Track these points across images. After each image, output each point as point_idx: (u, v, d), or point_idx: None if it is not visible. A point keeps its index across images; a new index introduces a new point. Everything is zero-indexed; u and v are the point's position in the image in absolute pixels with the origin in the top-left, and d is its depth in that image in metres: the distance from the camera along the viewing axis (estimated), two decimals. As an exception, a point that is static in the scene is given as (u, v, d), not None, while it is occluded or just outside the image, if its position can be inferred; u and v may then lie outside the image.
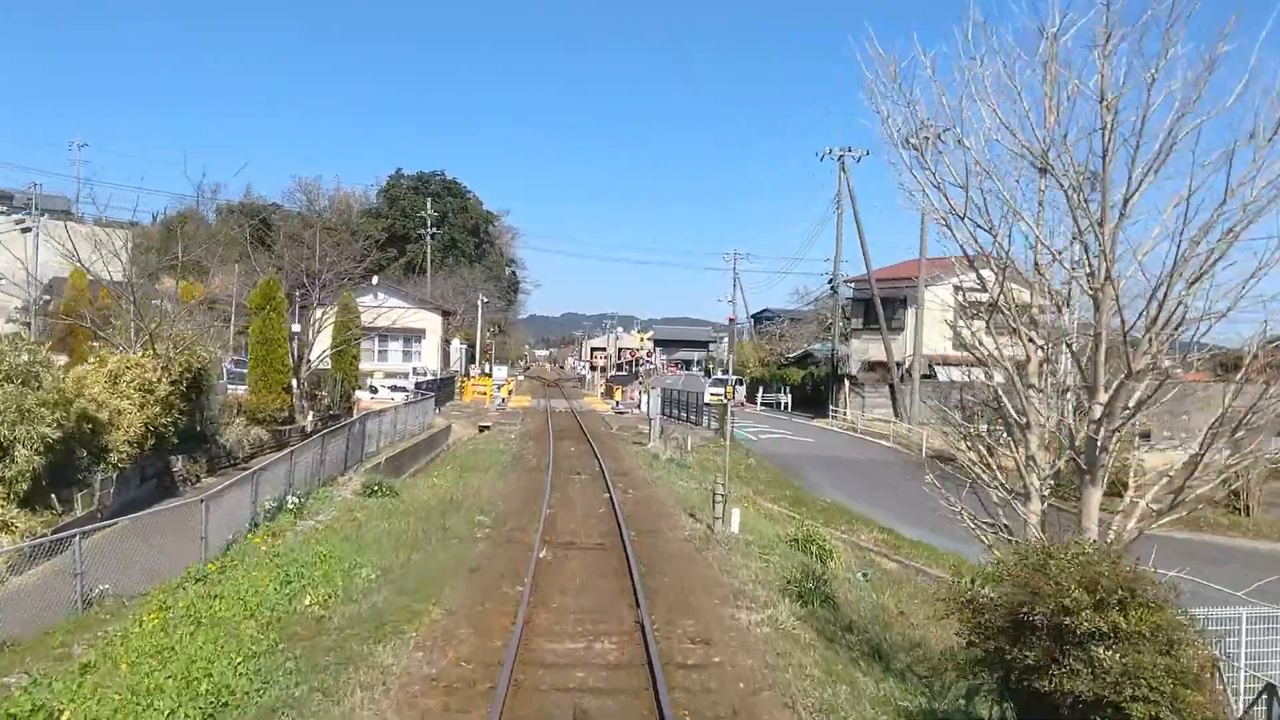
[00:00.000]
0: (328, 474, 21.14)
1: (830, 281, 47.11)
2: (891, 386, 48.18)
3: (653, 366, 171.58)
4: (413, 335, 65.78)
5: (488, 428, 38.71)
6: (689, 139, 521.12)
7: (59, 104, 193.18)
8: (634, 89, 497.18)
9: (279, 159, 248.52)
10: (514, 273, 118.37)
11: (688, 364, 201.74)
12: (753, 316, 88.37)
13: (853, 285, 47.83)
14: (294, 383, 32.51)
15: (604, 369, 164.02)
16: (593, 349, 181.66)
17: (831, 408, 47.38)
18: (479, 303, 60.56)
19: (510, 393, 61.40)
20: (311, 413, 32.51)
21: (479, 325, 61.39)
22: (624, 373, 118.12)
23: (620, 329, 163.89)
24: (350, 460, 23.33)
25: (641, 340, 49.72)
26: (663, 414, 46.21)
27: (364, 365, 64.64)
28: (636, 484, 23.60)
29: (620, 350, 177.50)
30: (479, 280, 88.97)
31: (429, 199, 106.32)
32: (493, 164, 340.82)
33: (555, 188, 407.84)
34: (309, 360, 35.33)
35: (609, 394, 64.00)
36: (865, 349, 50.72)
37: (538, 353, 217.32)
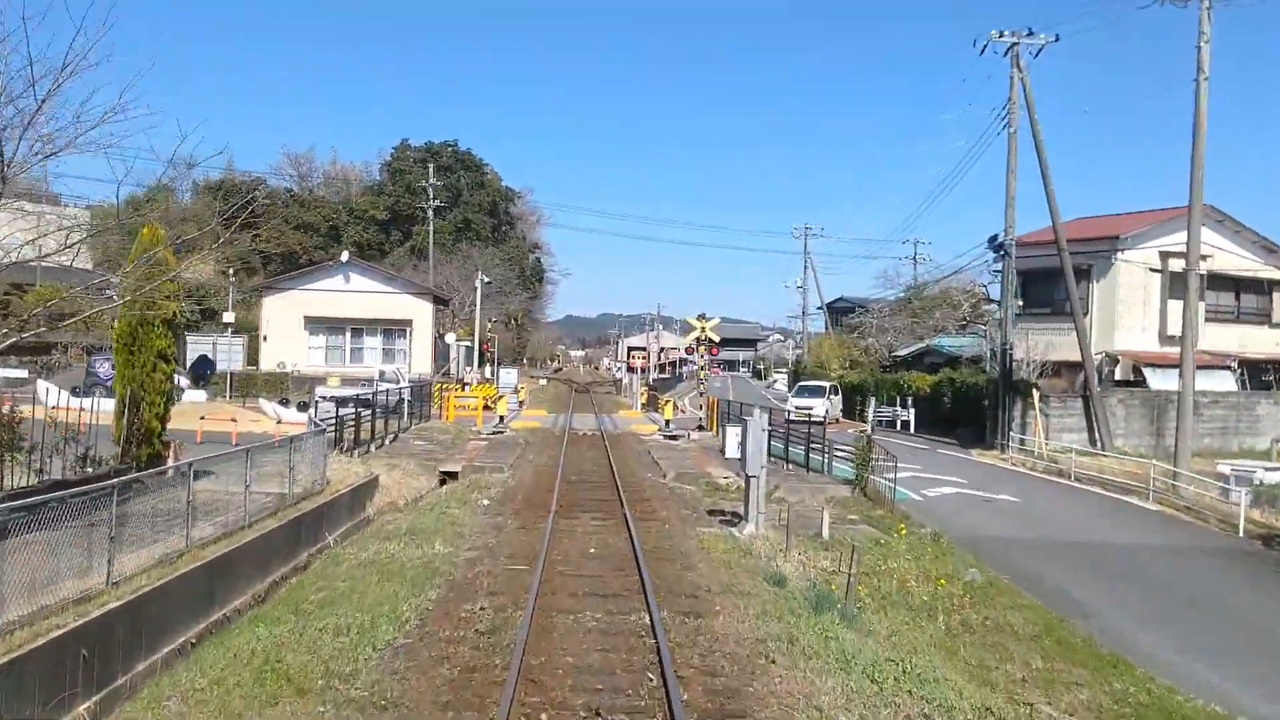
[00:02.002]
0: None
1: (995, 244, 30.65)
2: (1087, 399, 31.64)
3: (696, 366, 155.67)
4: (395, 329, 50.14)
5: (454, 475, 22.92)
6: (746, 106, 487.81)
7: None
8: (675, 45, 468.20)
9: (266, 128, 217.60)
10: (539, 259, 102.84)
11: (732, 364, 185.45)
12: (826, 307, 71.85)
13: (1014, 248, 31.29)
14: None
15: (643, 370, 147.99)
16: (630, 349, 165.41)
17: (1014, 433, 30.84)
18: (478, 283, 44.85)
19: (522, 404, 45.51)
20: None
21: (478, 313, 45.66)
22: (667, 375, 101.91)
23: (659, 327, 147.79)
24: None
25: (704, 329, 33.21)
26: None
27: (330, 367, 49.25)
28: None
29: (661, 350, 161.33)
30: (490, 263, 73.43)
31: (438, 172, 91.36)
32: (514, 136, 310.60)
33: (586, 165, 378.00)
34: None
35: (652, 405, 48.01)
36: (1035, 343, 34.14)
37: (573, 353, 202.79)
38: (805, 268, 68.51)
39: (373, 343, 51.03)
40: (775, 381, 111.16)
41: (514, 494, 20.11)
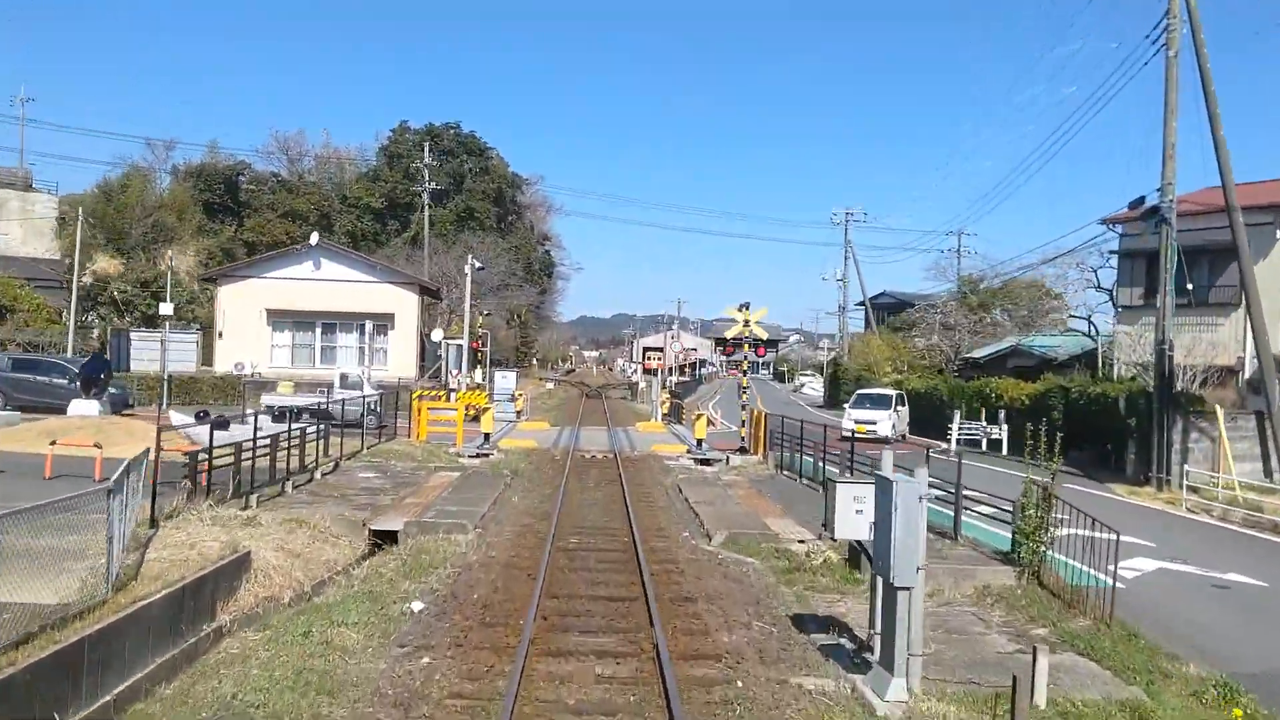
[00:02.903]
0: None
1: (1145, 210, 22.71)
2: (1261, 415, 23.66)
3: (714, 368, 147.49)
4: (374, 324, 42.59)
5: (391, 538, 15.18)
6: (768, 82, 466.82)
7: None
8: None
9: (252, 109, 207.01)
10: (548, 252, 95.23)
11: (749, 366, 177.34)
12: (868, 303, 63.88)
13: (1174, 212, 23.25)
14: None
15: (659, 373, 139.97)
16: (645, 349, 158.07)
17: (1173, 462, 22.83)
18: (468, 268, 37.20)
19: (520, 414, 37.87)
20: None
21: (466, 305, 38.01)
22: (686, 378, 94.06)
23: (676, 327, 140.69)
24: None
25: (748, 322, 24.97)
26: (773, 464, 22.94)
27: (298, 369, 41.74)
28: None
29: (679, 352, 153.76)
30: (493, 253, 65.86)
31: (439, 156, 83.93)
32: (523, 123, 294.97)
33: (599, 155, 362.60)
34: None
35: (675, 415, 40.28)
36: (1196, 340, 26.17)
37: (587, 354, 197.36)
38: (846, 257, 60.64)
39: (347, 340, 43.51)
40: (801, 386, 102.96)
41: (471, 585, 12.35)
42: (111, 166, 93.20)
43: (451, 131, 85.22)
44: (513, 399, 38.07)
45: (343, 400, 28.57)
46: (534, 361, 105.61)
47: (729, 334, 27.45)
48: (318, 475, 19.79)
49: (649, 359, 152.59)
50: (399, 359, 42.86)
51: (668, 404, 40.23)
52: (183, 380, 37.29)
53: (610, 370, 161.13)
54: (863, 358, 53.21)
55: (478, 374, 36.95)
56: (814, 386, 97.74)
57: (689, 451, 27.73)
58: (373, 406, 31.08)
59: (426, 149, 67.42)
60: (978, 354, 41.75)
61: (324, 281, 42.87)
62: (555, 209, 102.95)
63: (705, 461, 26.62)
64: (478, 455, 26.39)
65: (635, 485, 21.67)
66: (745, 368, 27.07)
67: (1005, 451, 30.88)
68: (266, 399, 31.91)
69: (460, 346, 46.86)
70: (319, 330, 43.16)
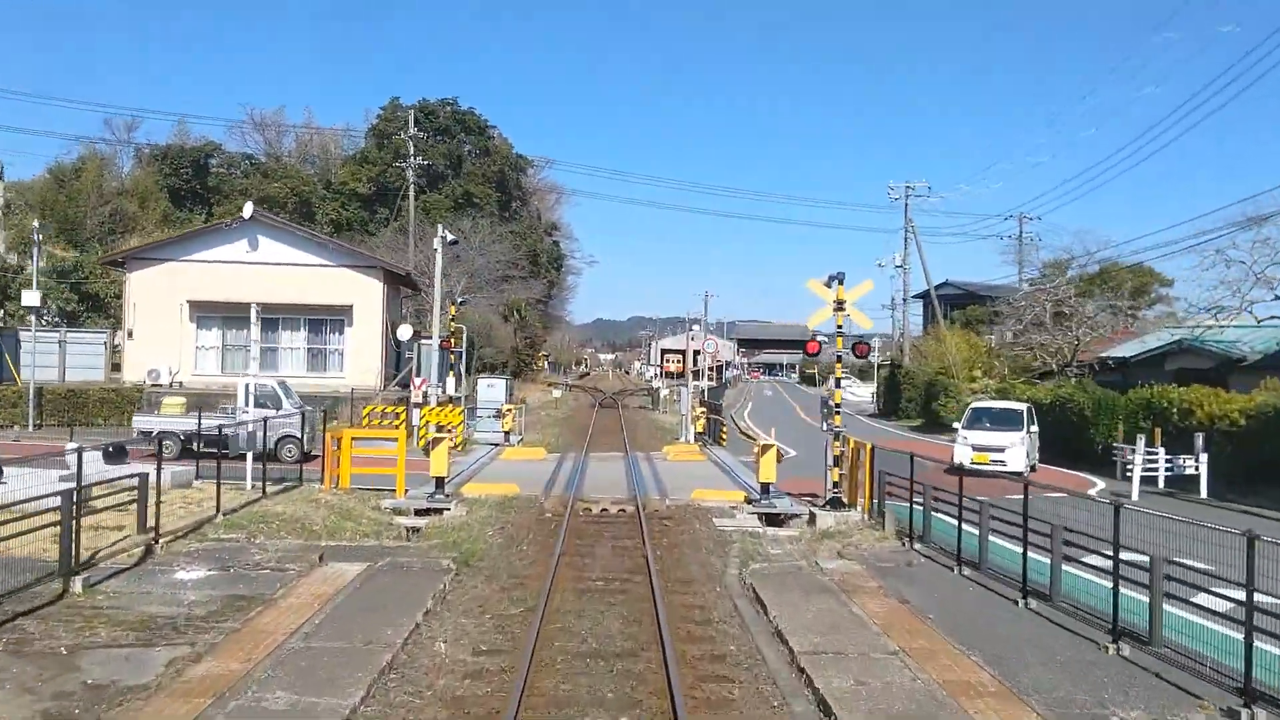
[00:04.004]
0: None
1: None
2: None
3: (737, 371, 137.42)
4: (328, 318, 33.33)
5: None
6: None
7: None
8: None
9: (226, 85, 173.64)
10: (557, 243, 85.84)
11: (771, 368, 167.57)
12: (928, 294, 54.13)
13: None
14: None
15: (684, 376, 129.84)
16: (664, 351, 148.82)
17: None
18: (437, 242, 27.74)
19: (509, 434, 28.53)
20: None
21: (436, 291, 28.54)
22: (713, 382, 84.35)
23: (702, 323, 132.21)
24: None
25: (842, 303, 15.53)
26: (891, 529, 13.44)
27: (232, 377, 32.55)
28: None
29: (698, 354, 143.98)
30: (489, 239, 56.63)
31: (434, 135, 74.95)
32: (528, 97, 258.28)
33: (615, 135, 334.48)
34: None
35: (713, 434, 30.82)
36: None
37: (602, 357, 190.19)
38: (906, 239, 50.94)
39: (293, 339, 34.25)
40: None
41: None
42: (66, 150, 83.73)
43: (448, 108, 76.08)
44: (500, 414, 28.67)
45: (246, 423, 19.36)
46: (545, 365, 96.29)
47: (812, 321, 17.83)
48: (80, 587, 10.44)
49: (668, 361, 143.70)
50: (358, 363, 33.58)
51: (703, 419, 30.70)
52: (56, 397, 28.09)
53: (626, 374, 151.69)
54: (937, 358, 43.51)
55: (450, 384, 27.62)
56: (854, 391, 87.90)
57: (749, 501, 18.26)
58: (294, 432, 21.87)
59: (412, 119, 58.06)
60: (1120, 352, 32.12)
61: (263, 265, 33.66)
62: (566, 196, 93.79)
63: (776, 519, 17.16)
64: (426, 510, 17.05)
65: (676, 585, 12.22)
66: (839, 375, 17.48)
67: (1204, 493, 21.21)
68: (140, 421, 22.71)
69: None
70: (257, 327, 33.89)
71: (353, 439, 18.25)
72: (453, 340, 27.81)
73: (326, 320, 34.01)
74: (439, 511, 17.15)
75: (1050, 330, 35.81)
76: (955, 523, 13.33)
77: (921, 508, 14.85)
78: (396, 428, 26.58)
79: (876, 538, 15.23)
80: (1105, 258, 44.04)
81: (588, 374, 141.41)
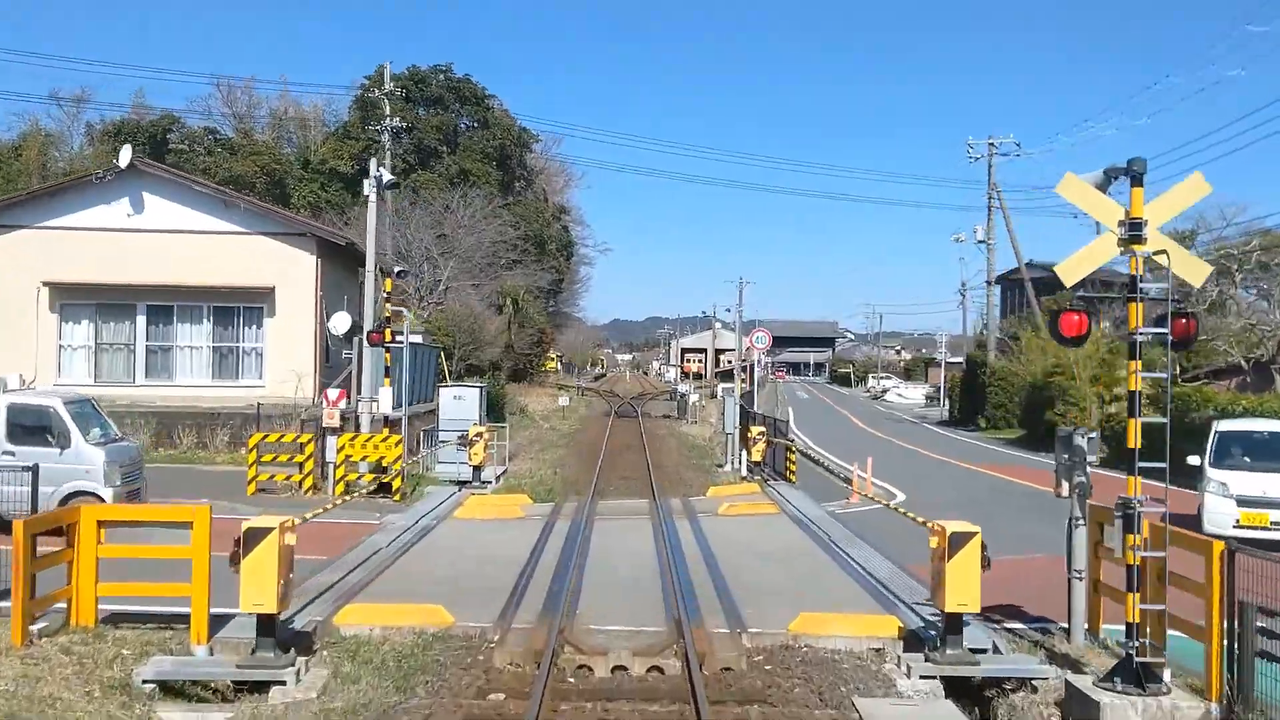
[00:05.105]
0: None
1: None
2: None
3: (764, 372, 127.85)
4: (243, 306, 23.94)
5: None
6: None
7: None
8: None
9: (187, 53, 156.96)
10: (566, 228, 76.45)
11: (795, 367, 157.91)
12: (1025, 271, 44.30)
13: None
14: None
15: (700, 375, 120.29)
16: (684, 350, 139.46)
17: None
18: (369, 184, 18.36)
19: (479, 470, 19.04)
20: None
21: (370, 257, 19.09)
22: (747, 386, 74.72)
23: (718, 325, 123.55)
24: None
25: (1137, 226, 7.44)
26: None
27: (106, 388, 23.22)
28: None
29: (721, 353, 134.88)
30: (481, 212, 47.45)
31: (426, 104, 65.95)
32: (534, 66, 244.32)
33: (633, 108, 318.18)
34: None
35: (776, 467, 21.38)
36: None
37: (620, 357, 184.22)
38: (990, 207, 41.30)
39: (193, 335, 24.97)
40: (885, 392, 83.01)
41: None
42: (5, 127, 74.47)
43: (441, 75, 66.85)
44: (465, 444, 19.27)
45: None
46: (557, 366, 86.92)
47: (1072, 269, 8.14)
48: None
49: (689, 361, 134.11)
50: (283, 367, 24.28)
51: (762, 442, 21.18)
52: None
53: (645, 375, 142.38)
54: (1042, 353, 33.88)
55: (385, 398, 18.22)
56: (900, 393, 77.99)
57: (910, 639, 8.84)
58: (89, 487, 12.73)
59: (388, 71, 48.97)
60: None
61: (151, 234, 24.47)
62: (576, 179, 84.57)
63: (981, 696, 7.74)
64: (240, 686, 7.72)
65: None
66: (1168, 362, 8.09)
67: None
68: None
69: (429, 345, 28.36)
70: (143, 318, 24.71)
71: (100, 523, 8.82)
72: (388, 333, 18.35)
73: (239, 309, 24.75)
74: (263, 689, 7.86)
75: (1222, 313, 26.24)
76: None
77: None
78: (301, 465, 17.36)
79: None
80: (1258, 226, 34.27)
81: (604, 375, 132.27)
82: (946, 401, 50.47)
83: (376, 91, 56.15)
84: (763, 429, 21.55)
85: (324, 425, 17.45)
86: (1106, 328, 38.10)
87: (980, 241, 41.81)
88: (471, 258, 46.31)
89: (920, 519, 10.86)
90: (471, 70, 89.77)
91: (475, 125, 67.01)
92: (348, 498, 16.30)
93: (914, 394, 74.27)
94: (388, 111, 47.55)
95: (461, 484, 19.87)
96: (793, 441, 21.88)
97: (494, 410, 34.55)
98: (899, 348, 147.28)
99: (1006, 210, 41.26)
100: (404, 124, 52.21)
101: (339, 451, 17.01)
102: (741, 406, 25.61)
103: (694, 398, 45.51)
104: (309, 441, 17.07)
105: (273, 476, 17.21)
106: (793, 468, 21.10)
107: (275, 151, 64.08)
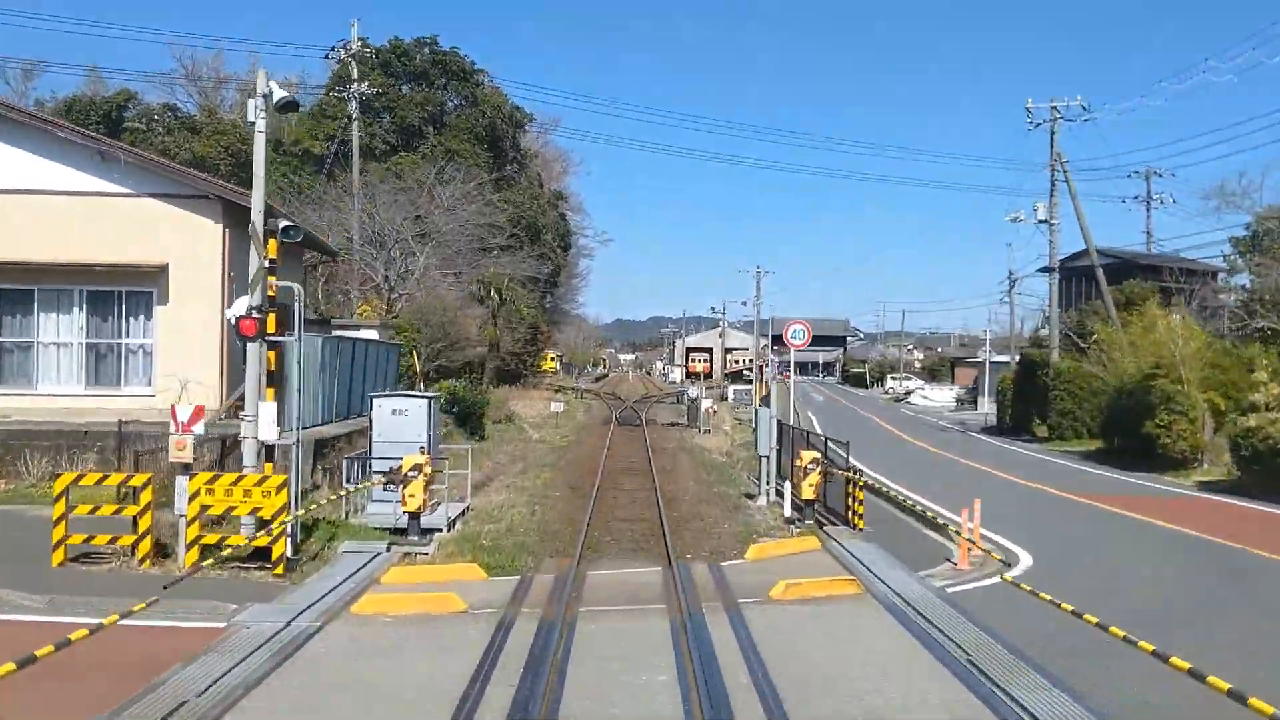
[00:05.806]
0: None
1: None
2: None
3: (774, 373, 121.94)
4: (126, 290, 17.74)
5: None
6: None
7: None
8: None
9: (146, 24, 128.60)
10: (563, 216, 70.35)
11: (804, 367, 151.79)
12: (1095, 256, 38.11)
13: None
14: None
15: (707, 375, 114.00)
16: (689, 349, 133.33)
17: None
18: (254, 105, 12.40)
19: (419, 514, 12.85)
20: None
21: (256, 198, 13.10)
22: (758, 387, 68.57)
23: (725, 323, 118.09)
24: None
25: None
26: None
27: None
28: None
29: (729, 351, 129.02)
30: (455, 194, 41.54)
31: (409, 79, 60.17)
32: (530, 44, 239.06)
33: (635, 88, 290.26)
34: None
35: (830, 505, 15.44)
36: None
37: (622, 357, 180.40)
38: (1053, 181, 35.33)
39: (61, 329, 19.04)
40: (909, 394, 76.88)
41: None
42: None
43: (426, 49, 60.84)
44: (401, 480, 13.29)
45: None
46: (556, 366, 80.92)
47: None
48: None
49: (694, 361, 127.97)
50: (178, 369, 18.37)
51: (816, 476, 15.26)
52: None
53: (648, 375, 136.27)
54: (1150, 352, 27.81)
55: (266, 416, 12.41)
56: (926, 394, 71.79)
57: None
58: None
59: (355, 29, 43.24)
60: None
61: (3, 196, 18.55)
62: (575, 164, 78.63)
63: None
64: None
65: None
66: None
67: None
68: None
69: (392, 343, 22.45)
70: (-7, 305, 18.78)
71: None
72: (271, 320, 12.39)
73: (121, 293, 18.83)
74: None
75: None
76: None
77: None
78: (136, 521, 11.46)
79: None
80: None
81: (606, 375, 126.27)
82: (992, 406, 44.39)
83: (345, 55, 50.28)
84: (816, 455, 15.59)
85: (172, 457, 11.52)
86: (1188, 317, 32.21)
87: (1041, 221, 35.79)
88: (452, 243, 40.40)
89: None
90: (459, 44, 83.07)
91: (463, 103, 61.07)
92: (206, 570, 10.42)
93: (942, 396, 68.21)
94: (355, 74, 41.59)
95: (398, 533, 14.01)
96: (859, 474, 15.85)
97: (469, 421, 28.63)
98: (910, 346, 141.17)
99: (1073, 186, 35.23)
100: (376, 91, 46.23)
101: (191, 500, 11.09)
102: (779, 421, 19.64)
103: (706, 404, 39.58)
104: (145, 484, 11.12)
105: (90, 538, 11.27)
106: (859, 508, 15.14)
107: (243, 131, 58.17)
